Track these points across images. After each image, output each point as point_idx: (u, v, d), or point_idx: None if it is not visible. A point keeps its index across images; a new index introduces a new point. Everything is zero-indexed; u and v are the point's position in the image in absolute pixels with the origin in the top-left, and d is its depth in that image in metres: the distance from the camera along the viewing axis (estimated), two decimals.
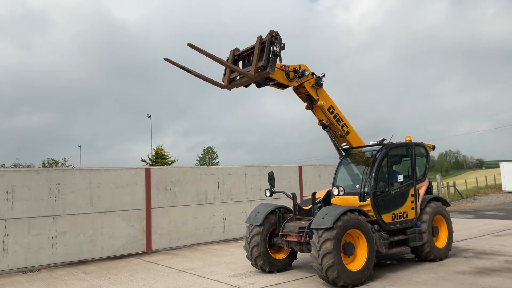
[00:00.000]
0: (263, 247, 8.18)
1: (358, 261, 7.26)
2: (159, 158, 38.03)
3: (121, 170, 11.50)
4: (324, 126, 8.97)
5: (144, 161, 38.82)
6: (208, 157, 75.67)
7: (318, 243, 6.89)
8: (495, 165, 72.23)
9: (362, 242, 7.35)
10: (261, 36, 7.56)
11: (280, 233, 8.16)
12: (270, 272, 8.27)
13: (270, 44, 7.46)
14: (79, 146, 67.08)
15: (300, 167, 15.64)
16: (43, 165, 49.92)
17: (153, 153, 39.33)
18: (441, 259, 8.77)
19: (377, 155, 8.43)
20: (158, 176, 12.11)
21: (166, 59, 7.72)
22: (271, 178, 8.95)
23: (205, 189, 13.00)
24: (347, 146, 9.27)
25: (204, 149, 77.94)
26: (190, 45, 7.05)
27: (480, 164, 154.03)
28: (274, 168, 14.20)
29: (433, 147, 9.87)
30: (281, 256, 8.53)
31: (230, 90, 8.29)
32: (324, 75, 8.64)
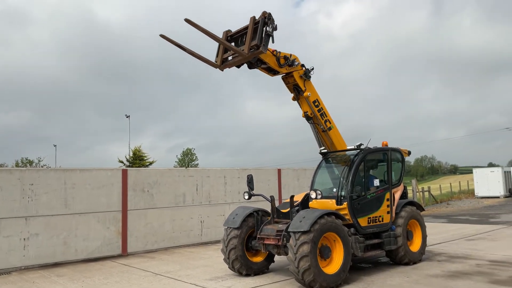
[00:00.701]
0: (241, 250, 8.16)
1: (334, 264, 7.33)
2: (137, 159, 37.49)
3: (97, 171, 11.30)
4: (308, 118, 9.14)
5: (122, 162, 38.21)
6: (187, 159, 75.10)
7: (295, 246, 6.92)
8: (468, 171, 74.20)
9: (338, 245, 7.42)
10: (254, 17, 7.75)
11: (258, 236, 8.16)
12: (247, 275, 8.26)
13: (263, 24, 7.67)
14: (55, 146, 65.64)
15: (279, 170, 15.70)
16: (17, 165, 48.55)
17: (131, 154, 38.77)
18: (415, 263, 8.93)
19: (354, 160, 8.54)
20: (135, 177, 11.95)
21: (162, 36, 7.79)
22: (250, 181, 8.96)
23: (183, 191, 12.89)
24: (325, 150, 9.37)
25: (183, 151, 77.31)
26: (187, 20, 7.17)
27: (454, 170, 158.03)
28: (253, 171, 14.20)
29: (409, 153, 10.06)
30: (258, 259, 8.52)
31: (223, 70, 8.43)
32: (313, 68, 8.95)
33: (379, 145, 9.23)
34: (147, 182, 12.16)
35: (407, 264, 8.81)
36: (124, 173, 11.79)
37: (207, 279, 8.15)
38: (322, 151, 9.41)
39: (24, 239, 9.92)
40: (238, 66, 8.39)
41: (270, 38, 7.76)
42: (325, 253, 7.25)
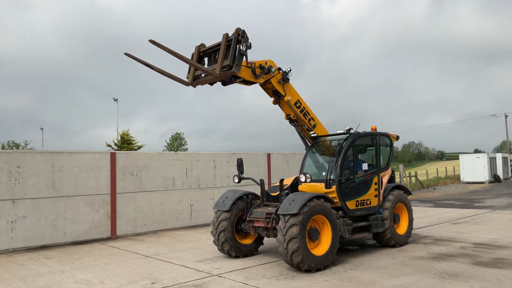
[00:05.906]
0: (230, 232, 8.22)
1: (322, 246, 7.43)
2: (125, 143, 37.31)
3: (85, 154, 11.20)
4: (291, 121, 9.09)
5: (109, 146, 37.99)
6: (176, 143, 74.79)
7: (284, 228, 6.99)
8: (455, 157, 75.21)
9: (326, 227, 7.52)
10: (227, 34, 7.36)
11: (247, 218, 8.22)
12: (236, 257, 8.34)
13: (237, 42, 7.26)
14: (41, 129, 64.79)
15: (268, 155, 15.74)
16: (3, 147, 47.85)
17: (119, 138, 38.52)
18: (401, 245, 9.09)
19: (344, 144, 8.59)
20: (124, 160, 11.88)
21: (126, 54, 7.21)
22: (240, 164, 8.97)
23: (172, 175, 12.88)
24: (315, 135, 9.41)
25: (172, 135, 76.94)
26: (151, 41, 6.63)
27: (441, 156, 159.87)
28: (243, 155, 14.23)
29: (397, 137, 10.14)
30: (247, 241, 8.60)
31: (195, 87, 8.06)
32: (290, 70, 8.59)
33: (368, 130, 9.29)
34: (136, 165, 12.11)
35: (393, 246, 8.97)
36: (113, 156, 11.71)
37: (197, 261, 8.22)
38: (312, 135, 9.45)
39: (12, 221, 9.85)
40: (211, 84, 8.00)
41: (244, 57, 7.37)
42: (314, 235, 7.34)
